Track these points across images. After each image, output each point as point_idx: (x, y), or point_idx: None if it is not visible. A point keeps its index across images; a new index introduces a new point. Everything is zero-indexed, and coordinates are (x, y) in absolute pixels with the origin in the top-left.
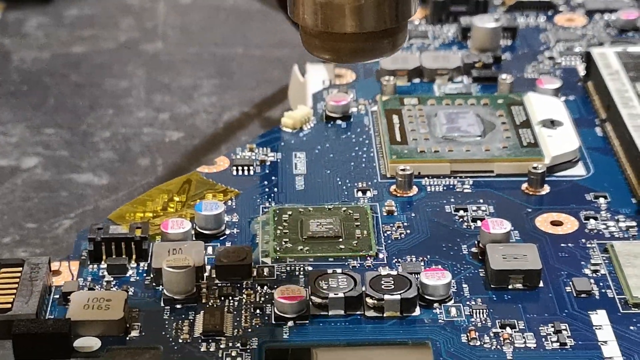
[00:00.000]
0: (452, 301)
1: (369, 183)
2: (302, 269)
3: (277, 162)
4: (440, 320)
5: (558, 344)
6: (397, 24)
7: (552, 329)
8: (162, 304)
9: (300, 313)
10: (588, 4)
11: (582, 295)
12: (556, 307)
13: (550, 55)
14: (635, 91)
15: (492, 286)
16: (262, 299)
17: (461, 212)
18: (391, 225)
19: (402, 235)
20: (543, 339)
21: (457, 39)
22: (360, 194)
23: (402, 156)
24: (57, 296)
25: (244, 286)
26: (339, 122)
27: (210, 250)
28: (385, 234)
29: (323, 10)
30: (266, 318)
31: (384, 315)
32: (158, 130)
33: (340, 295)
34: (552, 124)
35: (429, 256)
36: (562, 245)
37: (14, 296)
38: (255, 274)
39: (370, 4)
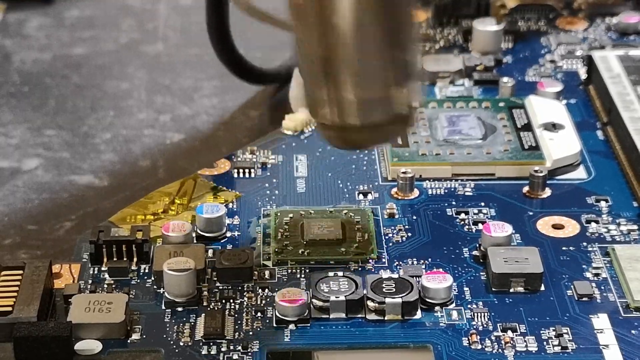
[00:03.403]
0: (454, 304)
1: (370, 186)
2: (303, 271)
3: (278, 164)
4: (441, 324)
5: (559, 347)
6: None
7: (554, 333)
8: (163, 307)
9: (301, 316)
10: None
11: (584, 299)
12: (557, 311)
13: (551, 58)
14: (637, 94)
15: (493, 289)
16: (263, 302)
17: (462, 215)
18: (392, 228)
19: (404, 238)
20: (544, 343)
21: (459, 42)
22: (361, 196)
23: (403, 159)
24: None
25: (245, 289)
26: None
27: (211, 252)
28: (387, 237)
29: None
30: (267, 321)
31: (385, 318)
32: (159, 132)
33: (342, 298)
34: (553, 127)
35: (430, 259)
36: (564, 248)
37: (15, 299)
38: (256, 276)
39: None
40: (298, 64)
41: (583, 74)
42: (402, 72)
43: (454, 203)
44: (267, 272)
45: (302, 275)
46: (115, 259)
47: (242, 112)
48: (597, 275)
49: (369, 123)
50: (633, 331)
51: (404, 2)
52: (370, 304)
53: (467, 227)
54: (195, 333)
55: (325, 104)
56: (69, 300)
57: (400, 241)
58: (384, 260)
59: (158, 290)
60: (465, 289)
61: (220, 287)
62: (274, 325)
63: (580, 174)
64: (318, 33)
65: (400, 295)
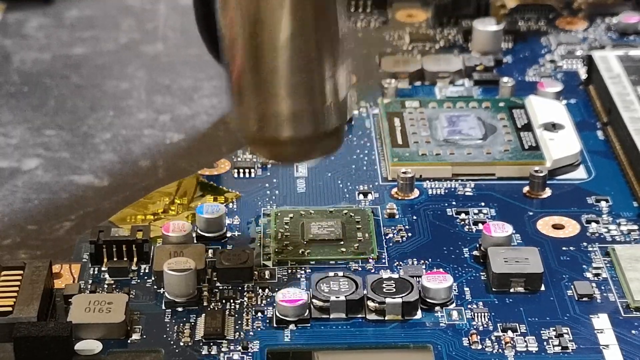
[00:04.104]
0: (454, 304)
1: (371, 186)
2: (303, 271)
3: (278, 164)
4: (441, 324)
5: (560, 347)
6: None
7: (554, 333)
8: (164, 307)
9: (301, 316)
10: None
11: (584, 299)
12: (558, 311)
13: (551, 58)
14: (637, 94)
15: (493, 290)
16: (264, 302)
17: (462, 215)
18: (392, 228)
19: (404, 238)
20: (544, 343)
21: (459, 42)
22: (361, 196)
23: (403, 159)
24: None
25: (245, 289)
26: None
27: (211, 252)
28: (387, 237)
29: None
30: (267, 321)
31: (386, 318)
32: (159, 132)
33: (342, 298)
34: (553, 127)
35: (430, 259)
36: (564, 248)
37: (15, 299)
38: (256, 276)
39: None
40: (226, 77)
41: (583, 74)
42: (332, 85)
43: (454, 203)
44: (267, 272)
45: (302, 275)
46: (115, 259)
47: None
48: (597, 275)
49: (297, 136)
50: (633, 331)
51: (333, 15)
52: (370, 304)
53: (467, 227)
54: (195, 333)
55: (254, 117)
56: (69, 300)
57: (401, 241)
58: (384, 260)
59: (158, 291)
60: (466, 289)
61: (221, 287)
62: (274, 325)
63: (580, 174)
64: (247, 45)
65: (401, 296)
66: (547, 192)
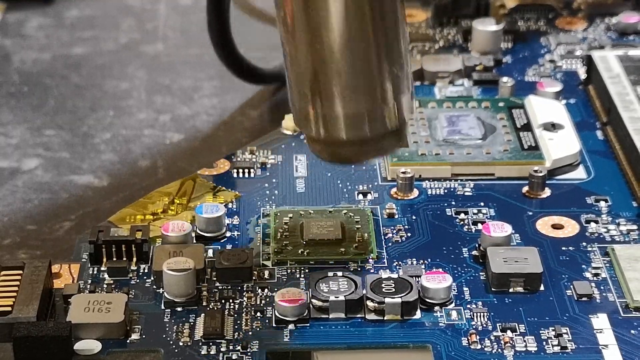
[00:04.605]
0: (453, 304)
1: (370, 186)
2: (302, 271)
3: (277, 164)
4: (441, 324)
5: (559, 347)
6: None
7: (553, 333)
8: (163, 307)
9: (300, 316)
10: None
11: (583, 299)
12: (557, 311)
13: (551, 58)
14: (636, 94)
15: (492, 289)
16: (263, 302)
17: (462, 215)
18: (392, 228)
19: (403, 238)
20: (544, 343)
21: (459, 42)
22: (361, 196)
23: (402, 159)
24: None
25: (244, 289)
26: None
27: (210, 252)
28: (386, 237)
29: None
30: (267, 321)
31: (385, 318)
32: (159, 132)
33: (341, 298)
34: (553, 127)
35: (429, 259)
36: (563, 248)
37: (14, 299)
38: (256, 276)
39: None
40: (286, 77)
41: (582, 74)
42: (392, 86)
43: (453, 203)
44: (266, 272)
45: (302, 275)
46: (114, 259)
47: (242, 112)
48: (596, 275)
49: (356, 138)
50: (632, 331)
51: (393, 15)
52: (369, 304)
53: (466, 227)
54: (194, 333)
55: (312, 118)
56: (69, 300)
57: (400, 241)
58: (383, 260)
59: (157, 290)
60: (465, 289)
61: (220, 287)
62: (274, 325)
63: (579, 174)
64: (306, 46)
65: (400, 295)
66: (547, 192)
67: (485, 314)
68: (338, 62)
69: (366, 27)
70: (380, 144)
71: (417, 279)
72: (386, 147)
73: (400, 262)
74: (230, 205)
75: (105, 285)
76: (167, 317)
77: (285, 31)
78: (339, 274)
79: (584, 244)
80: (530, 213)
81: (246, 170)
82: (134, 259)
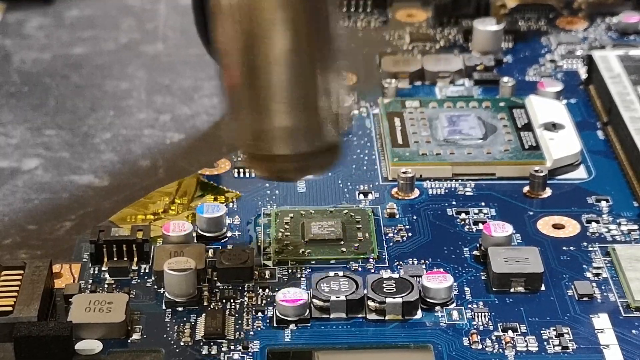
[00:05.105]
0: (454, 304)
1: (371, 186)
2: (303, 271)
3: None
4: (442, 324)
5: (560, 347)
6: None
7: (554, 333)
8: (164, 307)
9: (301, 316)
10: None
11: (584, 299)
12: (558, 311)
13: (551, 58)
14: (637, 94)
15: (493, 289)
16: (264, 301)
17: (463, 215)
18: (393, 228)
19: (404, 238)
20: (545, 343)
21: (459, 42)
22: (361, 196)
23: (403, 159)
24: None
25: (245, 289)
26: None
27: (211, 252)
28: (387, 237)
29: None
30: (267, 321)
31: (386, 318)
32: (159, 131)
33: (342, 298)
34: (553, 127)
35: (430, 259)
36: (564, 248)
37: (15, 299)
38: (256, 276)
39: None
40: (221, 93)
41: (583, 74)
42: (331, 100)
43: (454, 203)
44: (267, 272)
45: (303, 275)
46: (115, 259)
47: None
48: (597, 275)
49: (297, 153)
50: (633, 331)
51: (329, 32)
52: (370, 303)
53: (467, 227)
54: (195, 333)
55: (251, 133)
56: (70, 300)
57: (401, 241)
58: (384, 260)
59: (158, 290)
60: (466, 288)
61: (221, 287)
62: (274, 325)
63: (580, 173)
64: (243, 59)
65: (401, 295)
66: (548, 192)
67: (486, 314)
68: (273, 74)
69: (302, 39)
70: (318, 159)
71: (418, 279)
72: (323, 162)
73: (401, 262)
74: (230, 205)
75: (106, 285)
76: (168, 317)
77: (222, 42)
78: (340, 273)
79: (585, 243)
80: (531, 213)
81: (246, 170)
82: (135, 259)
